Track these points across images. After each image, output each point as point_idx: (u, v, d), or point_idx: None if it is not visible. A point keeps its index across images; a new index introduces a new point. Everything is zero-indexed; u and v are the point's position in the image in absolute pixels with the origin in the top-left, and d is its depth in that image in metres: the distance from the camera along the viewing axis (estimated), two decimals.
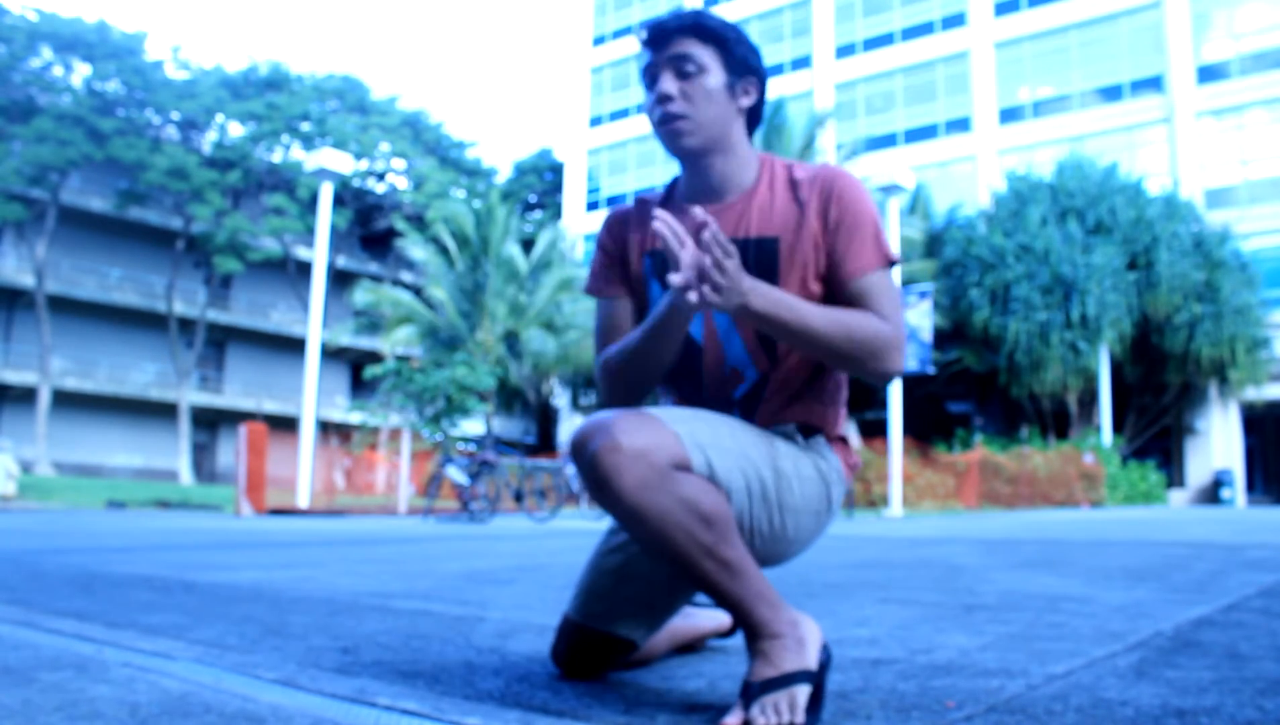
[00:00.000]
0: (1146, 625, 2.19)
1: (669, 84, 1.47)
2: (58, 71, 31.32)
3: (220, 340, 38.33)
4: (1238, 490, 23.94)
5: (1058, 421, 24.51)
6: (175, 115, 32.69)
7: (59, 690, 1.46)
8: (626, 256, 1.59)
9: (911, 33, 30.68)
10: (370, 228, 41.20)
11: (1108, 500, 20.72)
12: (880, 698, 1.43)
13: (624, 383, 1.46)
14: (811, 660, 1.31)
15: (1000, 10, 29.22)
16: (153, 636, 2.01)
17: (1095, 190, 22.91)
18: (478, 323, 24.35)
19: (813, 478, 1.48)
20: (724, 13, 1.53)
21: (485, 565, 4.19)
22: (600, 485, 1.25)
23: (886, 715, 1.32)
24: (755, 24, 33.22)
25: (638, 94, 35.22)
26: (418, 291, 28.12)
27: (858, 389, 22.44)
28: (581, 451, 1.27)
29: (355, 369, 38.87)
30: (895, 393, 15.47)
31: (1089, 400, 23.65)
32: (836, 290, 1.46)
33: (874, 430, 21.90)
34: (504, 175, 42.85)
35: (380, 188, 38.48)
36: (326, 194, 14.68)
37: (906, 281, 21.03)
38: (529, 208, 42.76)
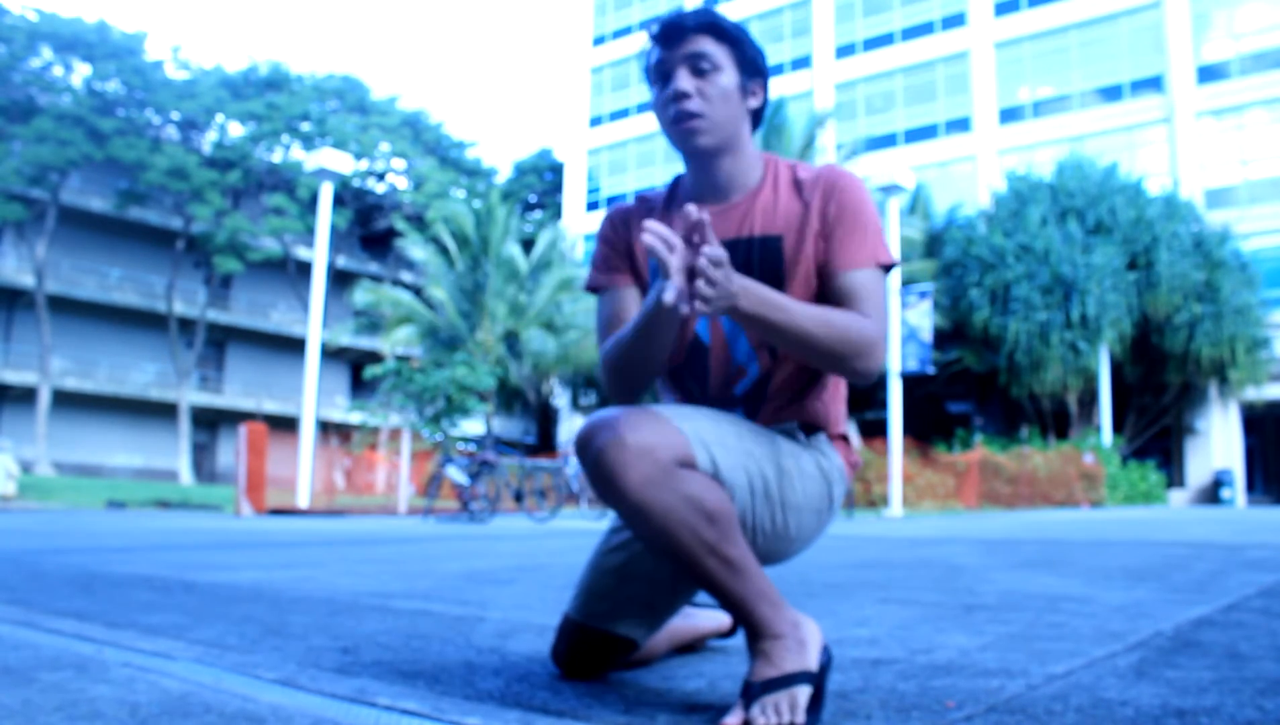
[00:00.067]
0: (1146, 625, 2.19)
1: (685, 81, 1.46)
2: (58, 71, 31.33)
3: (220, 340, 38.34)
4: (1238, 490, 23.94)
5: (1058, 421, 24.52)
6: (175, 115, 32.70)
7: (59, 690, 1.46)
8: (631, 250, 1.59)
9: (911, 33, 30.68)
10: (370, 228, 41.20)
11: (1108, 500, 20.72)
12: (880, 698, 1.43)
13: (624, 377, 1.45)
14: (812, 661, 1.31)
15: (1000, 10, 29.23)
16: (153, 636, 2.01)
17: (1095, 190, 22.92)
18: (478, 323, 24.35)
19: (814, 475, 1.48)
20: (724, 13, 1.53)
21: (485, 565, 4.19)
22: (605, 481, 1.25)
23: (886, 715, 1.32)
24: (755, 24, 33.21)
25: (638, 94, 35.22)
26: (418, 291, 28.12)
27: (857, 389, 22.43)
28: (586, 447, 1.27)
29: (355, 369, 38.88)
30: (895, 393, 15.48)
31: (1089, 400, 23.66)
32: (825, 282, 1.46)
33: (874, 430, 21.90)
34: (504, 175, 42.87)
35: (380, 188, 38.49)
36: (326, 194, 14.68)
37: (906, 281, 21.03)
38: (529, 208, 42.76)
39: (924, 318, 16.73)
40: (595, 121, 36.84)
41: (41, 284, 30.77)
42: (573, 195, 37.13)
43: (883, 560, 4.44)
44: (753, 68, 1.51)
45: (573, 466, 14.46)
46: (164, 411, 35.15)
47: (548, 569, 4.00)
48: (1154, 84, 26.67)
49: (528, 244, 28.83)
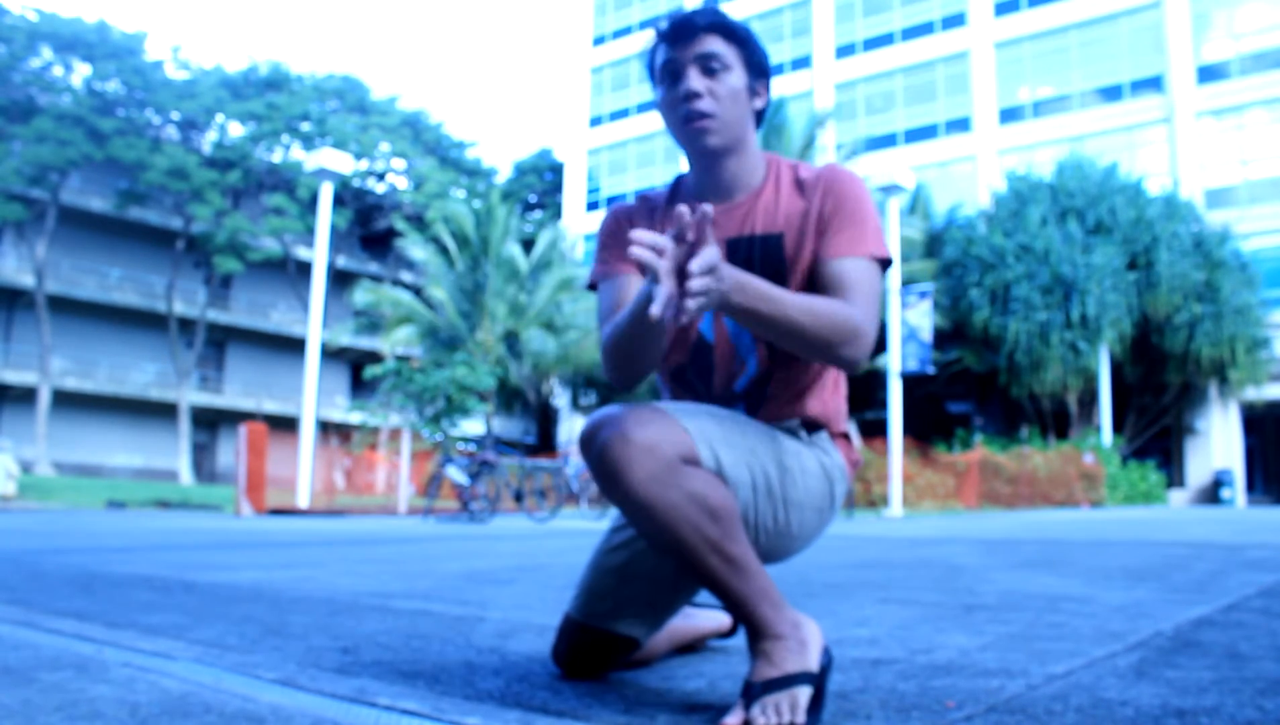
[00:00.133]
0: (1146, 625, 2.19)
1: (696, 81, 1.45)
2: (58, 71, 31.33)
3: (220, 340, 38.34)
4: (1238, 490, 23.94)
5: (1058, 421, 24.52)
6: (175, 115, 32.70)
7: (59, 690, 1.46)
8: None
9: (911, 33, 30.68)
10: (370, 228, 41.21)
11: (1108, 500, 20.72)
12: (880, 698, 1.43)
13: (622, 365, 1.43)
14: (813, 662, 1.31)
15: (1000, 10, 29.23)
16: (153, 636, 2.01)
17: (1095, 190, 22.92)
18: (478, 323, 24.35)
19: (816, 473, 1.48)
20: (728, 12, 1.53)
21: (485, 565, 4.19)
22: (609, 477, 1.24)
23: (886, 715, 1.32)
24: (755, 24, 33.20)
25: (638, 94, 35.21)
26: (418, 291, 28.12)
27: (858, 389, 22.45)
28: (590, 443, 1.27)
29: (355, 369, 38.88)
30: (895, 393, 15.48)
31: (1089, 400, 23.66)
32: (816, 270, 1.45)
33: (874, 430, 21.90)
34: (504, 175, 42.87)
35: (380, 188, 38.49)
36: (326, 194, 14.68)
37: (906, 281, 21.02)
38: (529, 208, 42.77)
39: (924, 318, 16.72)
40: (595, 121, 36.83)
41: (41, 284, 30.77)
42: (573, 195, 37.13)
43: (883, 560, 4.44)
44: (759, 68, 1.52)
45: (573, 466, 14.46)
46: (164, 411, 35.15)
47: (548, 569, 4.00)
48: (1154, 84, 26.67)
49: (528, 244, 28.83)
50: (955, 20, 29.91)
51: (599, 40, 37.40)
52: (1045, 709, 1.35)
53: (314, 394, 14.13)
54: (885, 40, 31.19)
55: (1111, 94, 27.36)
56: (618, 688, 1.52)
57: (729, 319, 1.51)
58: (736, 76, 1.48)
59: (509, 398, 26.08)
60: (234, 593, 2.93)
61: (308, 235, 33.55)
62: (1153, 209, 22.76)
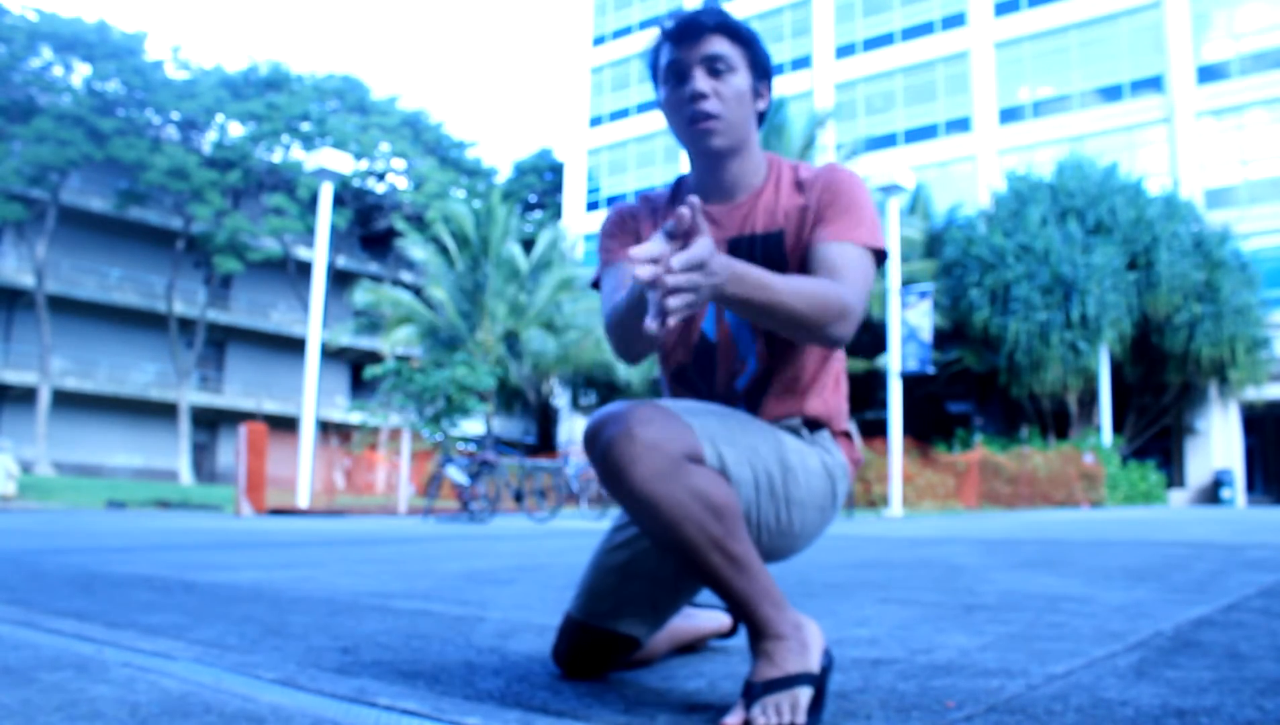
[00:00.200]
0: (1146, 625, 2.19)
1: (703, 82, 1.46)
2: (58, 71, 31.33)
3: (220, 340, 38.34)
4: (1238, 490, 23.94)
5: (1058, 421, 24.52)
6: (175, 115, 32.70)
7: (59, 690, 1.46)
8: (637, 241, 1.59)
9: (911, 33, 30.69)
10: (370, 228, 41.21)
11: (1108, 500, 20.72)
12: (880, 698, 1.43)
13: (625, 344, 1.42)
14: (814, 664, 1.31)
15: (1000, 10, 29.23)
16: (153, 636, 2.01)
17: (1095, 190, 22.92)
18: (478, 323, 24.35)
19: (819, 472, 1.48)
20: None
21: (485, 565, 4.19)
22: (613, 474, 1.25)
23: (886, 715, 1.32)
24: (755, 24, 33.02)
25: (638, 94, 35.21)
26: (418, 291, 28.12)
27: (858, 389, 22.45)
28: (595, 441, 1.27)
29: (355, 369, 38.88)
30: (895, 393, 15.48)
31: (1089, 400, 23.66)
32: (807, 254, 1.45)
33: (874, 430, 21.90)
34: (504, 175, 42.87)
35: (380, 188, 38.49)
36: (326, 194, 14.68)
37: (906, 281, 21.03)
38: (529, 208, 42.77)
39: (924, 318, 16.72)
40: (595, 121, 36.83)
41: (41, 284, 30.77)
42: (573, 195, 37.13)
43: (883, 560, 4.44)
44: (762, 70, 1.52)
45: (572, 466, 14.46)
46: (164, 411, 35.15)
47: (548, 569, 4.00)
48: (1154, 84, 26.67)
49: (528, 244, 28.83)
50: (955, 20, 29.91)
51: (599, 40, 37.40)
52: (1045, 709, 1.35)
53: (314, 394, 14.13)
54: (885, 40, 31.19)
55: (1111, 94, 27.36)
56: (618, 688, 1.52)
57: (730, 317, 1.51)
58: (741, 78, 1.48)
59: (509, 398, 26.08)
60: (234, 593, 2.93)
61: (308, 235, 33.55)
62: (1153, 209, 22.76)
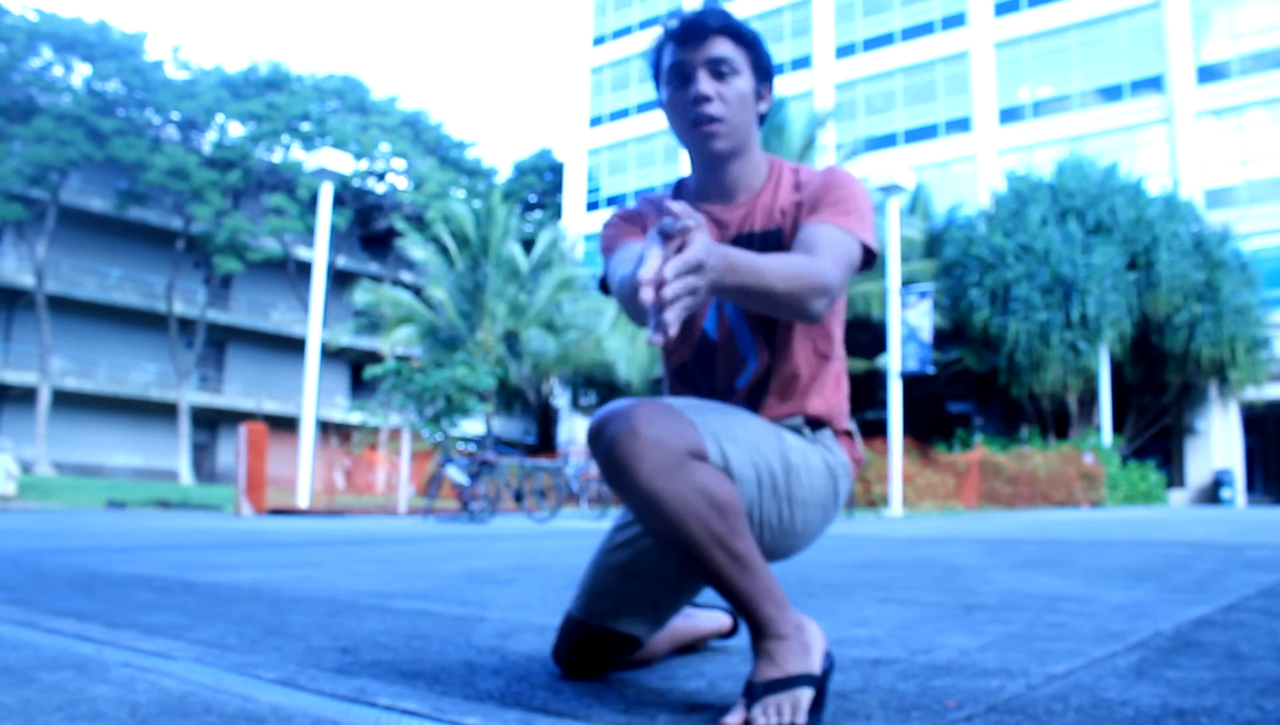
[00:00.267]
0: (1146, 625, 2.19)
1: (707, 84, 1.46)
2: (58, 71, 31.33)
3: (220, 340, 38.34)
4: (1238, 490, 23.95)
5: (1058, 421, 24.52)
6: (175, 115, 32.71)
7: (59, 690, 1.46)
8: (645, 230, 1.58)
9: (911, 33, 30.69)
10: (370, 228, 41.21)
11: (1108, 500, 20.72)
12: (880, 698, 1.43)
13: (636, 319, 1.38)
14: (816, 664, 1.31)
15: (1000, 10, 29.23)
16: (153, 636, 2.01)
17: (1095, 190, 22.92)
18: (478, 323, 24.35)
19: (820, 471, 1.48)
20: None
21: (485, 565, 4.19)
22: (617, 471, 1.25)
23: (886, 715, 1.32)
24: (755, 24, 33.06)
25: (638, 94, 35.21)
26: (418, 291, 28.12)
27: (858, 389, 22.44)
28: (599, 437, 1.27)
29: (355, 369, 38.88)
30: (895, 393, 15.48)
31: (1089, 400, 23.66)
32: (794, 238, 1.44)
33: (874, 430, 21.89)
34: (504, 175, 42.87)
35: (380, 188, 38.50)
36: (326, 194, 14.68)
37: (906, 281, 21.02)
38: (529, 208, 42.77)
39: (924, 318, 16.72)
40: (595, 121, 36.83)
41: (41, 284, 30.77)
42: (573, 195, 37.13)
43: (883, 560, 4.44)
44: (764, 72, 1.52)
45: (572, 466, 14.46)
46: (164, 411, 35.15)
47: (548, 569, 4.00)
48: (1154, 84, 26.67)
49: (528, 244, 28.83)
50: (955, 20, 29.91)
51: (599, 40, 37.40)
52: (1045, 709, 1.35)
53: (314, 394, 14.13)
54: (885, 40, 31.19)
55: (1111, 94, 27.36)
56: (618, 687, 1.52)
57: (730, 315, 1.52)
58: (744, 80, 1.48)
59: (509, 398, 26.08)
60: (234, 593, 2.93)
61: (308, 235, 33.55)
62: (1153, 209, 22.76)
